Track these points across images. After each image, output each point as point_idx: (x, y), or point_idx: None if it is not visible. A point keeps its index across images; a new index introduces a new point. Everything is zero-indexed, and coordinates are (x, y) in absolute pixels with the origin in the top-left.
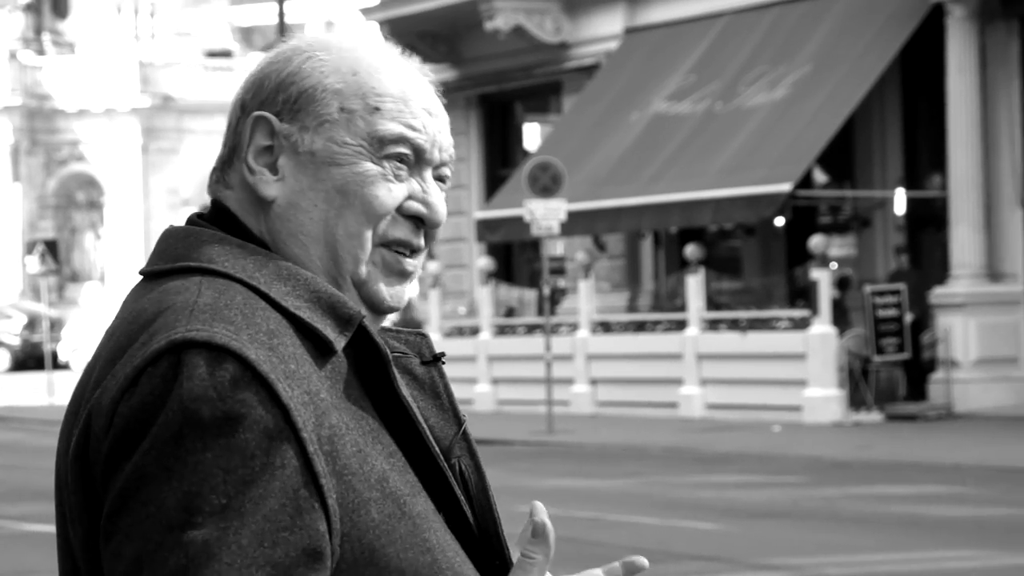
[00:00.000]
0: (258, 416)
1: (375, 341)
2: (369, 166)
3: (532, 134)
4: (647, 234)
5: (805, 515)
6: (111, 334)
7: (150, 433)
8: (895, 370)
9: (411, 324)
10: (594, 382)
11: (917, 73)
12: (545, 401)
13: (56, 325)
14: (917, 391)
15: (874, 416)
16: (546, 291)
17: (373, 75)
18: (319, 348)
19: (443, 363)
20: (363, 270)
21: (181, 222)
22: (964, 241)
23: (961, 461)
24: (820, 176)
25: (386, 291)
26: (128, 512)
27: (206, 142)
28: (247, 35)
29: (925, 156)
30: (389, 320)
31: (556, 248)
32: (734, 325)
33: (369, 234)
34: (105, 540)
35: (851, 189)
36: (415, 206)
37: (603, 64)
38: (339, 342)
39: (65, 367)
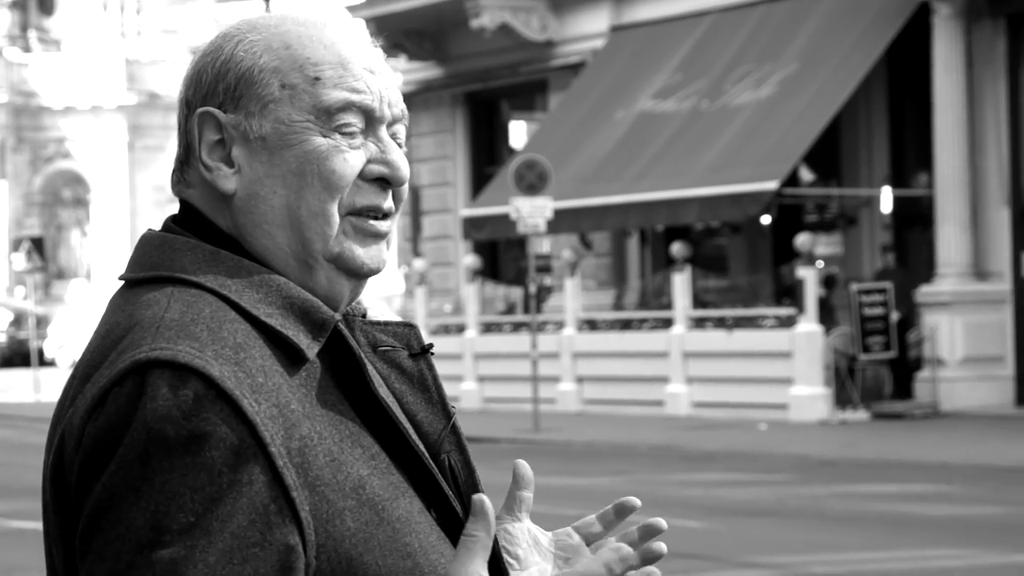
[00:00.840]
0: (223, 434)
1: (349, 345)
2: (320, 140)
3: (518, 132)
4: (633, 232)
5: (791, 513)
6: (88, 348)
7: (117, 454)
8: (881, 368)
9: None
10: (580, 380)
11: (903, 72)
12: (531, 399)
13: (42, 322)
14: (903, 390)
15: (860, 415)
16: (532, 289)
17: (306, 45)
18: (291, 356)
19: (432, 355)
20: (333, 245)
21: (159, 223)
22: (950, 240)
23: (947, 460)
24: (806, 174)
25: (362, 253)
26: (99, 532)
27: None
28: None
29: (911, 155)
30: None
31: (542, 246)
32: (720, 323)
33: (334, 208)
34: (80, 559)
35: (837, 187)
36: (376, 168)
37: (589, 62)
38: (312, 348)
39: (51, 364)
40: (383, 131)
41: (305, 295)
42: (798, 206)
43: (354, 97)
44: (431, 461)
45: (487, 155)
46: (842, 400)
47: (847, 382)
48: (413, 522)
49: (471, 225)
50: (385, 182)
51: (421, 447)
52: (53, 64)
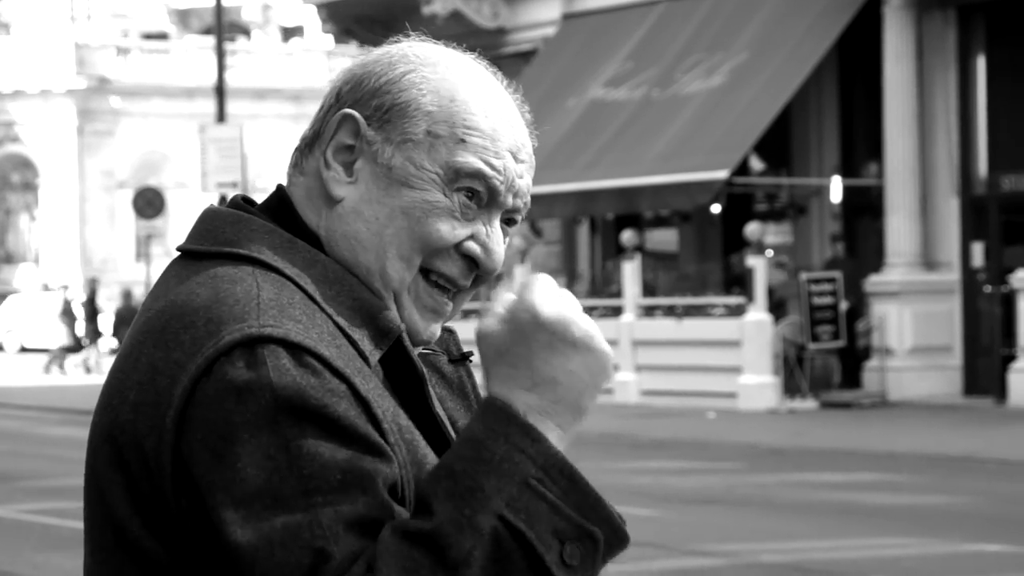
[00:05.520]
0: (348, 404)
1: (411, 358)
2: (440, 197)
3: None
4: (583, 220)
5: (740, 502)
6: (159, 314)
7: (243, 424)
8: (830, 358)
9: None
10: None
11: (854, 61)
12: (481, 387)
13: None
14: (852, 379)
15: (809, 403)
16: None
17: (470, 107)
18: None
19: (471, 362)
20: (405, 297)
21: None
22: (900, 229)
23: (895, 449)
24: (756, 164)
25: (422, 325)
26: (238, 503)
27: (142, 124)
28: (184, 17)
29: (861, 144)
30: None
31: None
32: (670, 312)
33: (417, 261)
34: (217, 534)
35: (787, 177)
36: (474, 248)
37: (540, 50)
38: (374, 355)
39: None
40: (497, 216)
41: (375, 300)
42: (748, 195)
43: (487, 171)
44: None
45: None
46: (791, 389)
47: (796, 371)
48: None
49: None
50: (474, 264)
51: None
52: (2, 47)
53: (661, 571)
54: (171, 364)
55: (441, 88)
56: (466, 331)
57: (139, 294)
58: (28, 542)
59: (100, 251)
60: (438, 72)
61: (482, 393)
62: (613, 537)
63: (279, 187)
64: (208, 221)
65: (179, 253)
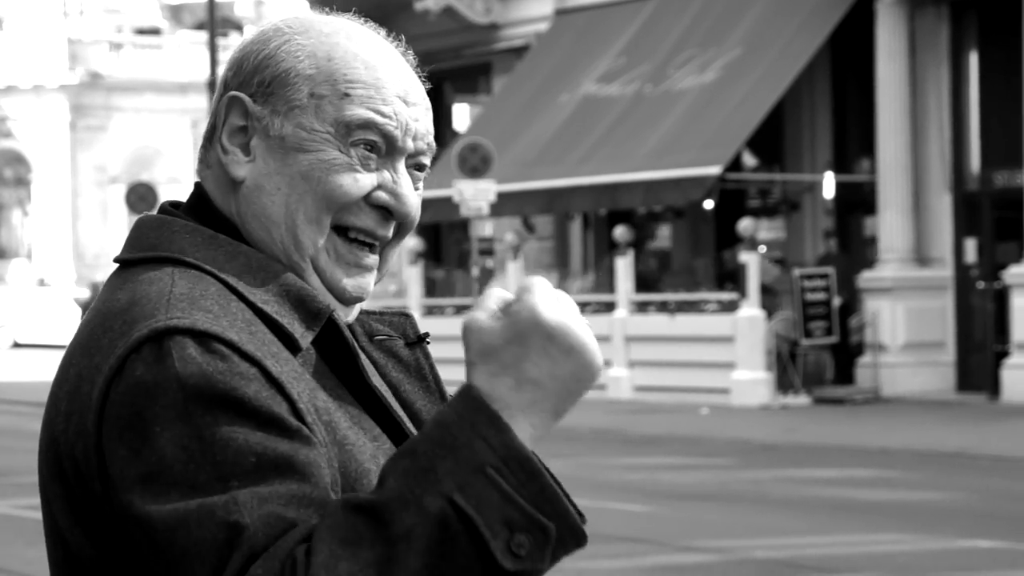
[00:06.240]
0: (258, 386)
1: (343, 335)
2: (336, 154)
3: (462, 115)
4: (576, 216)
5: (733, 498)
6: (86, 324)
7: (153, 416)
8: (823, 353)
9: None
10: None
11: (847, 58)
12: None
13: None
14: (844, 375)
15: (802, 399)
16: (475, 272)
17: (348, 62)
18: (286, 343)
19: (428, 343)
20: (323, 259)
21: (100, 203)
22: (892, 226)
23: (888, 445)
24: (749, 159)
25: (347, 282)
26: (156, 496)
27: (135, 120)
28: (176, 13)
29: (854, 140)
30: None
31: (485, 229)
32: (663, 307)
33: (327, 219)
34: (140, 530)
35: (780, 173)
36: (383, 196)
37: (533, 45)
38: (306, 337)
39: None
40: (401, 163)
41: (301, 284)
42: (741, 191)
43: (377, 119)
44: None
45: None
46: (784, 385)
47: (789, 367)
48: None
49: None
50: (388, 212)
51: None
52: None
53: (654, 567)
54: (92, 369)
55: (317, 51)
56: (458, 328)
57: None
58: (21, 537)
59: (93, 246)
60: (311, 37)
61: (442, 375)
62: (568, 533)
63: (196, 185)
64: (136, 230)
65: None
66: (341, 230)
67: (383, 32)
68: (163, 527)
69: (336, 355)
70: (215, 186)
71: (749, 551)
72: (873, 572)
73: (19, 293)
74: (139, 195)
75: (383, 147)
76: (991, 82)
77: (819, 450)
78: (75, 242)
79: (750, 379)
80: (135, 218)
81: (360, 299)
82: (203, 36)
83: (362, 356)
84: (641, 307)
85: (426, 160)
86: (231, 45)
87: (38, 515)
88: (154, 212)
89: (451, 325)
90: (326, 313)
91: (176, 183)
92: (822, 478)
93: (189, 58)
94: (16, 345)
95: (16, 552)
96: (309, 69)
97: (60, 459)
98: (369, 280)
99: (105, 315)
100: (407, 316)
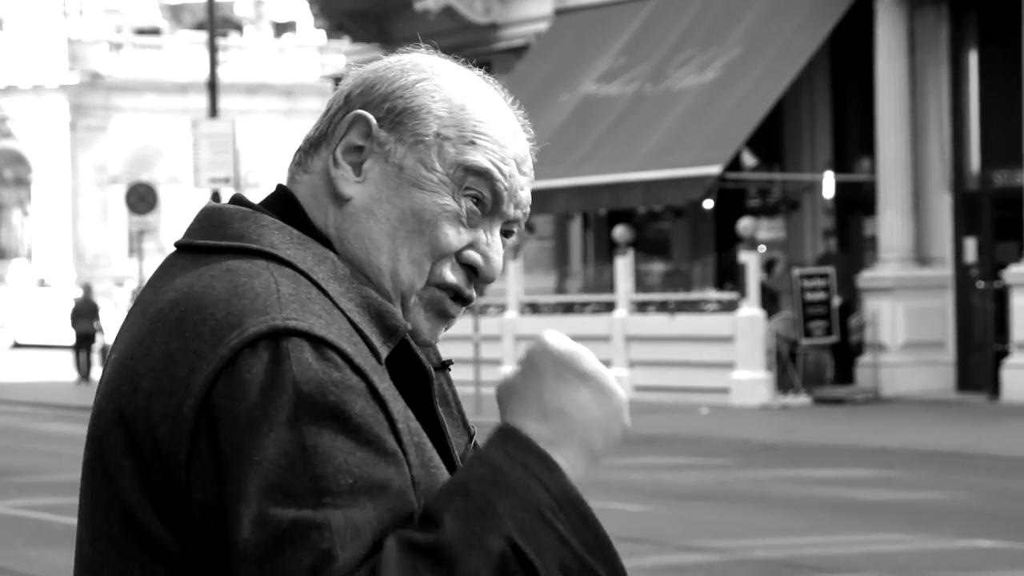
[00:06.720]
0: (366, 403)
1: (418, 356)
2: (449, 200)
3: None
4: (576, 216)
5: (733, 497)
6: (173, 306)
7: (264, 417)
8: (823, 353)
9: None
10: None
11: (846, 57)
12: (473, 382)
13: None
14: (844, 374)
15: (802, 399)
16: None
17: (481, 115)
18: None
19: (450, 370)
20: (412, 300)
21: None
22: (892, 225)
23: (888, 444)
24: (749, 159)
25: (426, 326)
26: (251, 497)
27: (134, 120)
28: (176, 13)
29: (854, 140)
30: None
31: None
32: (662, 307)
33: (428, 267)
34: (226, 525)
35: (780, 172)
36: (474, 256)
37: (533, 45)
38: (383, 351)
39: None
40: (498, 226)
41: (381, 300)
42: (741, 191)
43: (495, 172)
44: None
45: None
46: (783, 385)
47: (789, 367)
48: None
49: None
50: (474, 271)
51: (460, 464)
52: None
53: (654, 567)
54: (189, 354)
55: (453, 96)
56: (458, 327)
57: (128, 289)
58: (21, 537)
59: (93, 246)
60: (449, 82)
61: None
62: None
63: (280, 186)
64: (213, 217)
65: (176, 248)
66: (431, 280)
67: (509, 98)
68: (255, 539)
69: (404, 376)
70: (310, 193)
71: (749, 551)
72: (873, 572)
73: (19, 293)
74: (139, 195)
75: (488, 206)
76: (991, 81)
77: (819, 450)
78: (75, 242)
79: (750, 379)
80: (137, 219)
81: (430, 345)
82: (203, 36)
83: (434, 380)
84: (641, 307)
85: (516, 230)
86: (231, 45)
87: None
88: (225, 203)
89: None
90: (403, 332)
91: (176, 183)
92: (822, 478)
93: (189, 58)
94: (16, 345)
95: (17, 552)
96: (442, 111)
97: (134, 435)
98: (441, 332)
99: (201, 300)
100: (429, 344)
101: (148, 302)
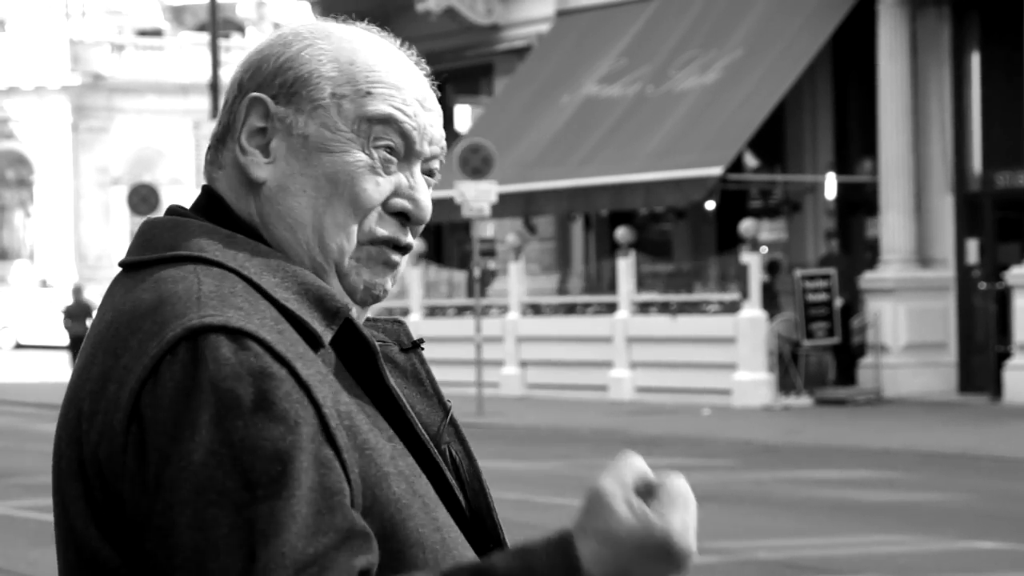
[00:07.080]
0: (289, 388)
1: (362, 334)
2: (359, 155)
3: (463, 116)
4: (578, 217)
5: (735, 499)
6: (109, 324)
7: (187, 420)
8: (825, 354)
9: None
10: (524, 364)
11: (848, 58)
12: (475, 383)
13: None
14: (846, 376)
15: (803, 400)
16: (476, 273)
17: (370, 65)
18: (308, 341)
19: (422, 349)
20: (347, 262)
21: (103, 204)
22: (894, 226)
23: (890, 446)
24: (751, 160)
25: (370, 282)
26: (184, 503)
27: (136, 121)
28: (178, 14)
29: (856, 141)
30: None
31: (486, 230)
32: (664, 308)
33: (355, 228)
34: (160, 533)
35: (782, 173)
36: (401, 202)
37: (534, 46)
38: (326, 335)
39: None
40: (417, 167)
41: (320, 283)
42: (742, 192)
43: (398, 115)
44: (436, 451)
45: None
46: (785, 386)
47: (790, 368)
48: (435, 499)
49: None
50: (405, 217)
51: (426, 436)
52: None
53: None
54: (120, 369)
55: (339, 55)
56: (460, 328)
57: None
58: (23, 538)
59: (95, 248)
60: (332, 43)
61: (438, 375)
62: None
63: (204, 187)
64: (147, 231)
65: (121, 269)
66: (364, 238)
67: (398, 43)
68: (192, 545)
69: (352, 355)
70: (229, 188)
71: (751, 552)
72: (875, 573)
73: (21, 294)
74: (141, 196)
75: (401, 150)
76: (993, 82)
77: (821, 451)
78: (77, 243)
79: (752, 380)
80: (139, 220)
81: (377, 299)
82: (205, 37)
83: (380, 355)
84: (643, 308)
85: (437, 167)
86: (233, 46)
87: (41, 516)
88: (159, 215)
89: (452, 326)
90: (344, 312)
91: (178, 184)
92: (824, 479)
93: (191, 59)
94: (18, 346)
95: (19, 553)
96: (332, 72)
97: (81, 459)
98: (389, 281)
99: (131, 315)
100: (400, 323)
101: (94, 326)
